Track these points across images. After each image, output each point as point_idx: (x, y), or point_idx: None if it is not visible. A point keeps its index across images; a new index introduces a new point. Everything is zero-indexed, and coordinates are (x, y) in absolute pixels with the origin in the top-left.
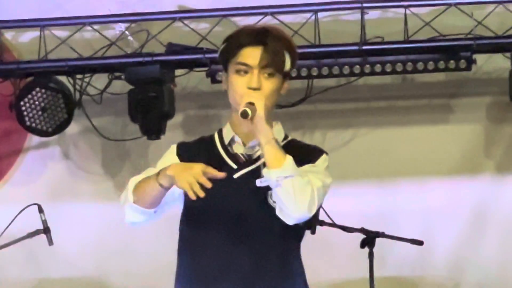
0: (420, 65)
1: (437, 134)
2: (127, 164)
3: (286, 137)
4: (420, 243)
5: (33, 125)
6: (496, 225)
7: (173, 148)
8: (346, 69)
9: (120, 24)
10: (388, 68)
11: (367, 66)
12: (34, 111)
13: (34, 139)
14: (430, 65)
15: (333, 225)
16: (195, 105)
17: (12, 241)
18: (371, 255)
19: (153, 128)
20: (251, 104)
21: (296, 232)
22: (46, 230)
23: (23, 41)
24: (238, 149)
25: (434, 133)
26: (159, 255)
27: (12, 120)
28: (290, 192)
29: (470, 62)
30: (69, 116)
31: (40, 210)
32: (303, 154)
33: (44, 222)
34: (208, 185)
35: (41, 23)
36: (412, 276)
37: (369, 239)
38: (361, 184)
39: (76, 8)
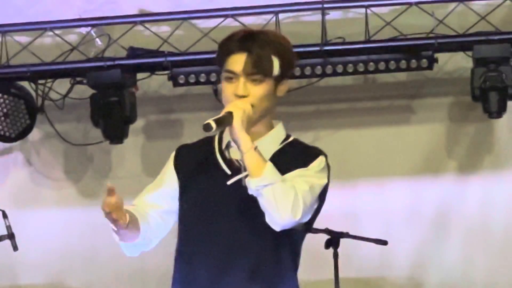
0: (381, 65)
1: (399, 135)
2: (90, 169)
3: (287, 137)
4: (384, 243)
5: None
6: (458, 225)
7: (172, 155)
8: (308, 70)
9: (98, 41)
10: (350, 68)
11: (329, 67)
12: None
13: None
14: (392, 65)
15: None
16: (157, 109)
17: None
18: (335, 256)
19: (115, 133)
20: (229, 113)
21: (293, 236)
22: (10, 236)
23: None
24: (234, 154)
25: (396, 134)
26: (123, 260)
27: None
28: (271, 199)
29: (432, 61)
30: (32, 122)
31: (5, 216)
32: (300, 156)
33: (9, 228)
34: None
35: (2, 29)
36: (376, 277)
37: (334, 239)
38: None
39: (37, 13)
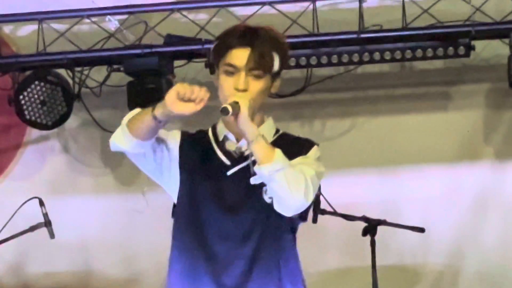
0: (418, 53)
1: (436, 122)
2: (127, 157)
3: (277, 131)
4: (421, 230)
5: (33, 118)
6: (496, 212)
7: (178, 131)
8: (345, 58)
9: (110, 18)
10: (387, 56)
11: (366, 54)
12: (34, 105)
13: (33, 133)
14: (429, 52)
15: (334, 213)
16: None
17: (14, 234)
18: (373, 243)
19: None
20: (235, 103)
21: (291, 226)
22: (47, 223)
23: (22, 35)
24: (231, 146)
25: (433, 121)
26: (159, 246)
27: (11, 114)
28: (284, 184)
29: (469, 48)
30: (69, 109)
31: (41, 204)
32: (295, 147)
33: (45, 215)
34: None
35: (39, 17)
36: (414, 264)
37: (371, 227)
38: (361, 172)
39: (74, 1)
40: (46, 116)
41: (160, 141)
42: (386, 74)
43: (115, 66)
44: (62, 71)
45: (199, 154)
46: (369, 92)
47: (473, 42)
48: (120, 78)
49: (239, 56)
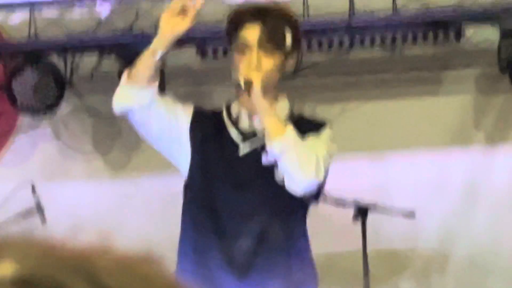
0: (409, 38)
1: (426, 107)
2: (118, 142)
3: (291, 110)
4: (411, 215)
5: (24, 104)
6: (487, 196)
7: (191, 105)
8: (335, 43)
9: (104, 4)
10: (377, 41)
11: (356, 39)
12: (25, 91)
13: (25, 120)
14: (419, 38)
15: (325, 198)
16: (185, 82)
17: (6, 220)
18: (363, 228)
19: None
20: (248, 79)
21: (302, 205)
22: (39, 209)
23: (13, 24)
24: (244, 125)
25: (423, 106)
26: (151, 233)
27: (3, 101)
28: (294, 160)
29: (459, 34)
30: (60, 95)
31: (33, 189)
32: (308, 126)
33: (37, 201)
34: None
35: (31, 2)
36: (404, 249)
37: (362, 211)
38: (352, 157)
39: None
40: (38, 102)
41: (170, 106)
42: (376, 60)
43: (107, 52)
44: (53, 58)
45: (212, 131)
46: (359, 77)
47: (464, 27)
48: (111, 64)
49: (251, 33)
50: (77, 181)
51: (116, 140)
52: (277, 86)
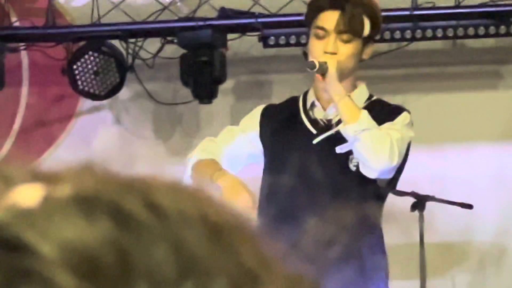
0: (471, 31)
1: (486, 100)
2: (179, 128)
3: (370, 97)
4: (469, 206)
5: (86, 89)
6: None
7: (260, 108)
8: (397, 34)
9: None
10: (439, 33)
11: (418, 31)
12: (87, 75)
13: (86, 104)
14: (481, 31)
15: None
16: (247, 70)
17: None
18: (421, 219)
19: (204, 93)
20: (324, 63)
21: (378, 194)
22: None
23: (76, 6)
24: (319, 114)
25: (483, 99)
26: None
27: (64, 85)
28: (369, 144)
29: None
30: (122, 80)
31: None
32: (385, 113)
33: None
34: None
35: None
36: (461, 241)
37: (420, 202)
38: (411, 149)
39: None
40: (99, 86)
41: (242, 140)
42: (437, 52)
43: (168, 38)
44: (116, 42)
45: (285, 120)
46: (420, 69)
47: None
48: (173, 50)
49: (329, 18)
50: (137, 166)
51: (176, 126)
52: (355, 73)
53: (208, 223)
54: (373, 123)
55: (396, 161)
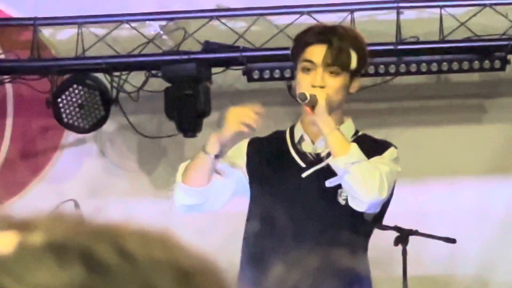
0: (455, 65)
1: (470, 134)
2: (163, 161)
3: (357, 132)
4: (453, 241)
5: (70, 121)
6: None
7: (245, 140)
8: (382, 68)
9: (152, 23)
10: (424, 68)
11: (403, 65)
12: (71, 108)
13: (70, 136)
14: (465, 65)
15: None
16: (231, 103)
17: None
18: (404, 253)
19: (189, 126)
20: (313, 95)
21: (365, 229)
22: None
23: (61, 39)
24: (307, 147)
25: (467, 133)
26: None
27: (49, 117)
28: (359, 176)
29: (505, 62)
30: (106, 113)
31: (76, 206)
32: (372, 148)
33: None
34: (255, 119)
35: (79, 21)
36: (444, 275)
37: (403, 236)
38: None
39: (114, 5)
40: (84, 119)
41: (229, 170)
42: (422, 86)
43: (153, 72)
44: (100, 75)
45: (272, 154)
46: (404, 103)
47: (509, 56)
48: (158, 83)
49: (317, 52)
50: (121, 198)
51: (161, 159)
52: (342, 107)
53: (177, 268)
54: (363, 156)
55: (385, 195)
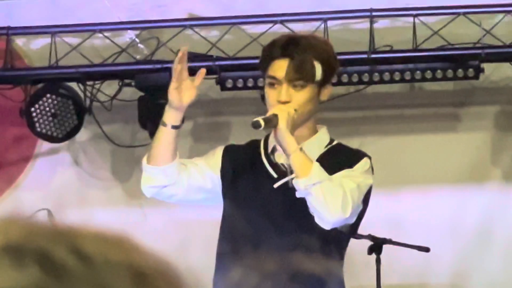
0: (428, 74)
1: (444, 143)
2: (137, 170)
3: (331, 141)
4: (426, 250)
5: (43, 131)
6: (502, 234)
7: (221, 147)
8: (355, 77)
9: (129, 31)
10: (397, 76)
11: (376, 74)
12: (45, 117)
13: (44, 146)
14: (438, 74)
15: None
16: (204, 112)
17: None
18: (378, 262)
19: None
20: (274, 115)
21: (339, 239)
22: None
23: (34, 48)
24: (279, 158)
25: (441, 142)
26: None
27: (22, 126)
28: (320, 197)
29: (478, 71)
30: (79, 122)
31: (50, 215)
32: (345, 158)
33: None
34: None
35: (52, 30)
36: (418, 284)
37: (377, 245)
38: None
39: (87, 15)
40: (57, 128)
41: (200, 169)
42: (395, 94)
43: (126, 81)
44: (73, 85)
45: (246, 163)
46: (378, 111)
47: (483, 65)
48: (131, 92)
49: (279, 67)
50: (94, 208)
51: (134, 168)
52: (316, 116)
53: (133, 269)
54: (325, 175)
55: (349, 212)
